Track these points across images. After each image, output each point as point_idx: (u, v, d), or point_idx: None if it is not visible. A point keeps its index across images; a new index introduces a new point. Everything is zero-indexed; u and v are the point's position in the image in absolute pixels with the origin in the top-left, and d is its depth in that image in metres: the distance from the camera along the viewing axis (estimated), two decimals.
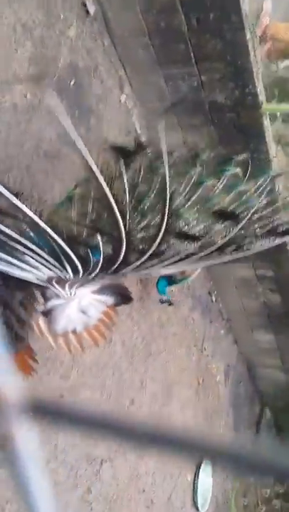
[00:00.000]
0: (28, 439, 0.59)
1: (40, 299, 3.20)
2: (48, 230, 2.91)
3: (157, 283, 5.46)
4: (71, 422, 0.61)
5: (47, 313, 3.26)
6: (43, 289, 3.15)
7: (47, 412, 0.61)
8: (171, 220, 3.21)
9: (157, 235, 3.21)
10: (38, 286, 3.10)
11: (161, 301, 5.65)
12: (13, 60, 3.80)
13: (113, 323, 3.67)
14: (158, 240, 3.20)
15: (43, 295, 3.16)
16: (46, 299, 3.18)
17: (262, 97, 4.64)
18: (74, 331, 3.38)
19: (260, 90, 4.60)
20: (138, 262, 3.32)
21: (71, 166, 4.20)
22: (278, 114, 5.28)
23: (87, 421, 0.60)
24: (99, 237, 3.25)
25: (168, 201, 3.12)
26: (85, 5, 4.30)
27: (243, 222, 3.27)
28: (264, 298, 6.94)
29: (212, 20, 4.14)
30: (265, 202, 3.70)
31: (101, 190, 2.92)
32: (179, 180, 3.81)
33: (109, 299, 3.49)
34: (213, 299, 7.15)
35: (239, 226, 3.26)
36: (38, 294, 3.17)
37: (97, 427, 0.60)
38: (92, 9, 4.34)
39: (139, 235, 3.39)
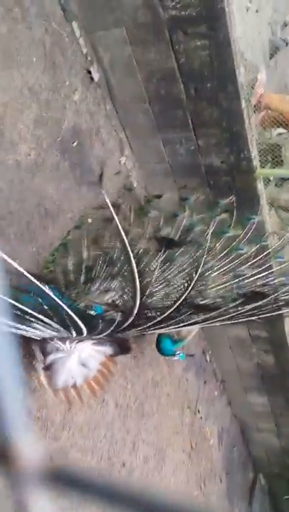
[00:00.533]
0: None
1: (40, 356, 3.19)
2: (62, 304, 2.97)
3: (159, 344, 5.30)
4: (60, 487, 0.58)
5: (47, 368, 3.24)
6: (42, 344, 3.14)
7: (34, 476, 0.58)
8: (190, 295, 3.27)
9: (171, 306, 3.27)
10: (38, 341, 3.10)
11: (172, 355, 5.44)
12: (18, 120, 3.94)
13: (112, 374, 3.65)
14: (171, 310, 3.25)
15: (43, 350, 3.15)
16: (46, 353, 3.17)
17: (256, 162, 4.82)
18: (74, 385, 3.35)
19: (255, 156, 4.78)
20: (146, 327, 3.35)
21: (71, 224, 4.29)
22: (271, 178, 5.45)
23: (77, 486, 0.57)
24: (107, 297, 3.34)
25: (192, 282, 3.17)
26: (89, 72, 4.53)
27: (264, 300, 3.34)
28: (258, 359, 6.89)
29: (209, 90, 4.37)
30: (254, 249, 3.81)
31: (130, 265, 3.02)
32: (171, 224, 3.92)
33: (108, 349, 3.48)
34: (208, 359, 7.09)
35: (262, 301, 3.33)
36: (37, 350, 3.16)
37: (86, 493, 0.57)
38: (96, 76, 4.57)
39: (152, 301, 3.43)
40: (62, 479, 0.58)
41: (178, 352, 5.39)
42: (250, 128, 4.59)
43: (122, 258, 3.88)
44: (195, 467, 6.73)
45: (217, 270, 3.75)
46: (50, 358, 3.22)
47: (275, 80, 5.69)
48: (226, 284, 3.66)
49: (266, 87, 5.07)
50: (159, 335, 5.22)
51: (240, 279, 3.67)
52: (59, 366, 3.30)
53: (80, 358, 3.28)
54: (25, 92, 3.98)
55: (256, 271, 3.68)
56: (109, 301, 3.53)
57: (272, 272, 3.62)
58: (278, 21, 6.01)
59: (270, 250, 3.74)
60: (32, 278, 2.83)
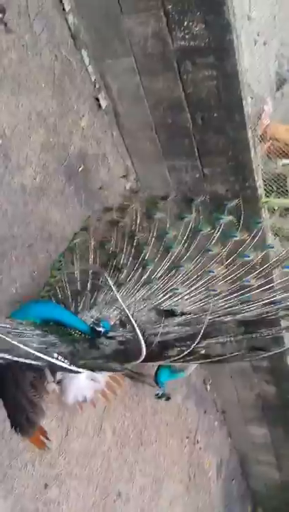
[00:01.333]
0: None
1: (50, 377, 3.16)
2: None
3: (157, 373, 5.17)
4: None
5: (57, 384, 3.22)
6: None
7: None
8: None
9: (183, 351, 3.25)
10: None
11: (158, 396, 5.34)
12: (26, 144, 3.97)
13: (120, 385, 3.60)
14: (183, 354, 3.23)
15: (51, 367, 3.12)
16: (54, 370, 3.14)
17: (261, 191, 4.83)
18: (84, 400, 3.31)
19: (260, 185, 4.79)
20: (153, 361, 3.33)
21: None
22: (276, 208, 5.45)
23: None
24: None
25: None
26: (97, 99, 4.58)
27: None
28: (259, 389, 6.79)
29: (216, 119, 4.39)
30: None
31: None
32: (178, 226, 3.87)
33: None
34: (208, 388, 7.00)
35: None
36: (47, 371, 3.14)
37: None
38: (104, 103, 4.62)
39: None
40: None
41: (159, 391, 5.28)
42: (255, 157, 4.61)
43: (128, 264, 3.86)
44: (192, 499, 6.59)
45: (223, 278, 3.68)
46: (59, 375, 3.20)
47: (281, 112, 5.74)
48: (231, 297, 3.57)
49: (272, 118, 5.10)
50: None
51: (246, 290, 3.58)
52: (68, 383, 3.27)
53: (89, 372, 3.25)
54: (33, 116, 4.02)
55: (262, 282, 3.60)
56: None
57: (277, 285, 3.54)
58: (285, 54, 6.09)
59: (277, 258, 3.66)
60: None
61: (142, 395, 5.46)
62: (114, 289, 3.11)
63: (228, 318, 3.41)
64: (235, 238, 3.72)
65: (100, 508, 4.91)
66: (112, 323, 3.52)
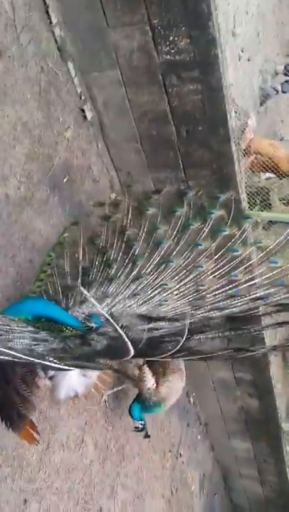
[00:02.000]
0: None
1: (41, 373, 3.15)
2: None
3: (131, 408, 4.99)
4: None
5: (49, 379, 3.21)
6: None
7: None
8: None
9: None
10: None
11: (137, 429, 5.07)
12: (10, 155, 3.96)
13: (110, 378, 3.59)
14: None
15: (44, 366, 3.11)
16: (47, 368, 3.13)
17: (244, 204, 4.87)
18: (76, 395, 3.30)
19: (243, 198, 4.83)
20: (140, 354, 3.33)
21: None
22: (259, 221, 5.49)
23: None
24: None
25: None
26: (83, 110, 4.60)
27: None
28: (242, 402, 6.78)
29: (201, 132, 4.44)
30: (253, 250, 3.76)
31: None
32: (169, 220, 3.87)
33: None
34: (191, 401, 6.97)
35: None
36: (38, 367, 3.13)
37: None
38: (89, 115, 4.64)
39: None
40: None
41: (137, 424, 5.03)
42: (239, 171, 4.66)
43: (118, 260, 3.88)
44: None
45: (212, 273, 3.70)
46: (51, 372, 3.18)
47: (264, 126, 5.83)
48: (221, 291, 3.60)
49: (256, 132, 5.17)
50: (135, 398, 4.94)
51: (234, 284, 3.61)
52: (60, 378, 3.30)
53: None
54: (18, 127, 4.01)
55: (250, 276, 3.63)
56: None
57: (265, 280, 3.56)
58: (269, 70, 6.20)
59: (265, 252, 3.65)
60: None
61: (124, 409, 5.41)
62: (89, 297, 3.10)
63: (217, 313, 3.43)
64: (224, 233, 3.74)
65: None
66: (103, 319, 3.52)
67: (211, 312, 3.48)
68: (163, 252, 3.82)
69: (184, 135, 4.53)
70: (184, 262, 3.76)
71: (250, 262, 3.69)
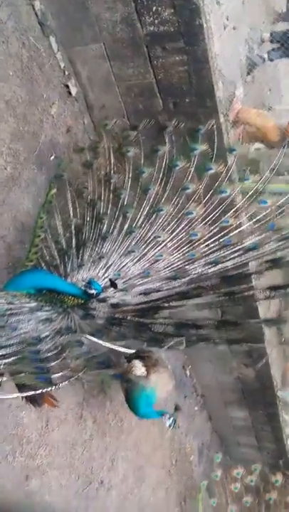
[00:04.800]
0: None
1: None
2: None
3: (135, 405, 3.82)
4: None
5: None
6: None
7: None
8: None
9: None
10: None
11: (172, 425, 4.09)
12: None
13: None
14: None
15: None
16: None
17: (234, 175, 4.83)
18: None
19: (233, 170, 4.79)
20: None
21: None
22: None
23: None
24: None
25: None
26: (67, 86, 4.52)
27: None
28: (238, 373, 6.86)
29: (188, 105, 4.38)
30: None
31: None
32: (152, 161, 3.81)
33: None
34: (188, 373, 7.04)
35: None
36: None
37: None
38: (74, 90, 4.56)
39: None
40: None
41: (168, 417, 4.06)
42: (228, 142, 4.61)
43: (108, 213, 3.84)
44: (175, 484, 6.66)
45: (202, 220, 3.65)
46: None
47: (252, 96, 5.77)
48: (213, 240, 3.59)
49: (244, 102, 5.12)
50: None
51: (225, 231, 3.58)
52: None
53: None
54: (1, 105, 3.95)
55: (240, 220, 3.59)
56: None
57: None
58: (255, 38, 6.10)
59: (253, 191, 3.62)
60: None
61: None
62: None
63: (211, 269, 3.47)
64: (210, 171, 3.68)
65: (83, 497, 4.92)
66: (102, 283, 3.56)
67: (206, 268, 3.51)
68: (152, 199, 3.76)
69: (171, 108, 4.47)
70: (173, 210, 3.70)
71: (240, 204, 3.63)
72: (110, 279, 3.46)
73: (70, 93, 4.57)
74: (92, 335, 3.40)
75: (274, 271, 3.45)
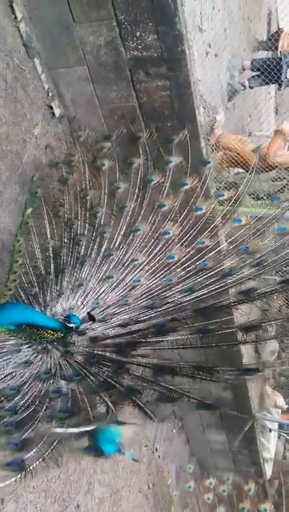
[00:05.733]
0: None
1: None
2: None
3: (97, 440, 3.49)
4: None
5: None
6: None
7: None
8: None
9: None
10: None
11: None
12: None
13: None
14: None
15: None
16: None
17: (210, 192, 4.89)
18: None
19: (213, 193, 4.85)
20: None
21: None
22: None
23: None
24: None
25: None
26: (51, 107, 4.55)
27: None
28: (216, 395, 6.84)
29: (169, 128, 4.44)
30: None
31: None
32: (127, 175, 3.77)
33: None
34: None
35: None
36: None
37: None
38: (57, 112, 4.60)
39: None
40: None
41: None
42: (203, 155, 4.66)
43: (85, 234, 3.78)
44: (152, 508, 6.57)
45: (179, 240, 3.60)
46: None
47: (232, 122, 5.88)
48: (190, 262, 3.52)
49: (224, 128, 5.21)
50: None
51: (201, 253, 3.50)
52: None
53: None
54: None
55: (216, 240, 3.54)
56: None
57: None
58: (236, 66, 6.24)
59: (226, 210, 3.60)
60: None
61: None
62: None
63: (186, 297, 3.42)
64: (186, 187, 3.65)
65: None
66: (81, 316, 3.51)
67: (182, 295, 3.44)
68: (128, 217, 3.72)
69: (153, 131, 4.53)
70: (150, 229, 3.66)
71: (215, 222, 3.60)
72: (88, 313, 3.41)
73: (53, 114, 4.60)
74: (71, 379, 3.32)
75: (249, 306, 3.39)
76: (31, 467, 3.01)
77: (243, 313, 3.39)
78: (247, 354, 5.46)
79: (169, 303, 3.46)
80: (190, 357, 3.39)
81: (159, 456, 6.85)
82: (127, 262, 3.66)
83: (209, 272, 3.46)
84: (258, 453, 7.44)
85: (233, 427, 7.25)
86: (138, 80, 4.29)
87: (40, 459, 3.05)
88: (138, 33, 4.04)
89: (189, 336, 3.30)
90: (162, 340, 3.37)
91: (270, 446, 7.68)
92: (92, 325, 3.49)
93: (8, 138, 4.15)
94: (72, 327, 3.35)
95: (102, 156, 3.93)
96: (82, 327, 3.45)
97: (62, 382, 3.32)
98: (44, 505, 4.63)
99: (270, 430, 7.56)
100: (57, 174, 4.07)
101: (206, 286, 3.42)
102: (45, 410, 3.13)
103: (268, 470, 7.82)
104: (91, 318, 3.36)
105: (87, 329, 3.50)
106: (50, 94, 4.53)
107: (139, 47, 4.12)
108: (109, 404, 3.18)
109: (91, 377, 3.30)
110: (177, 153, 3.77)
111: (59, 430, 3.12)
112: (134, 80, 4.30)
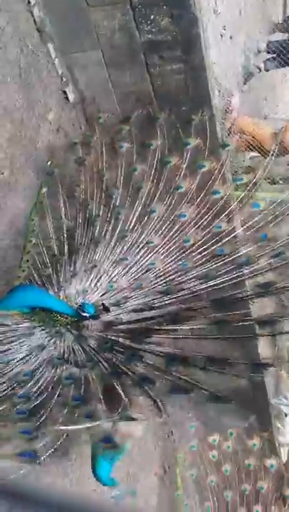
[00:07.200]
0: None
1: None
2: None
3: (96, 470, 3.66)
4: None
5: None
6: None
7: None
8: None
9: None
10: None
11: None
12: None
13: None
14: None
15: None
16: None
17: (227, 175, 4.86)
18: None
19: (228, 178, 4.82)
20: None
21: None
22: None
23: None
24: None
25: None
26: (65, 92, 4.54)
27: None
28: (230, 384, 6.84)
29: (184, 112, 4.40)
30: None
31: None
32: (144, 157, 3.72)
33: None
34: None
35: None
36: None
37: None
38: (71, 97, 4.59)
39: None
40: None
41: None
42: (221, 138, 4.62)
43: (100, 215, 3.75)
44: (168, 491, 6.62)
45: (195, 224, 3.52)
46: None
47: (248, 105, 5.80)
48: (206, 247, 3.47)
49: (240, 111, 5.14)
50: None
51: (218, 237, 3.45)
52: None
53: None
54: None
55: (233, 225, 3.47)
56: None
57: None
58: (252, 48, 6.15)
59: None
60: None
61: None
62: None
63: (202, 285, 3.36)
64: (203, 169, 3.59)
65: None
66: (94, 299, 3.52)
67: (198, 283, 3.40)
68: (144, 198, 3.67)
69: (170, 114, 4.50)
70: (166, 211, 3.60)
71: (232, 206, 3.53)
72: (103, 303, 3.38)
73: (67, 99, 4.59)
74: (83, 365, 3.29)
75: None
76: (43, 458, 2.93)
77: (260, 307, 3.35)
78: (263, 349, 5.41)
79: (184, 289, 3.41)
80: (204, 348, 3.34)
81: (174, 440, 6.89)
82: (142, 244, 3.61)
83: (226, 259, 3.40)
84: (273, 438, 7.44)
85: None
86: (152, 64, 4.26)
87: (52, 449, 2.97)
88: (152, 16, 4.00)
89: (205, 327, 3.26)
90: (177, 329, 3.34)
91: (285, 430, 7.66)
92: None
93: (22, 123, 4.15)
94: (86, 316, 3.34)
95: (120, 138, 3.89)
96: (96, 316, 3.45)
97: (75, 369, 3.30)
98: (63, 487, 4.69)
99: (286, 415, 7.54)
100: (74, 155, 4.04)
101: (222, 275, 3.36)
102: (57, 397, 3.08)
103: (284, 454, 7.81)
104: (105, 308, 3.35)
105: (101, 313, 3.49)
106: (63, 79, 4.52)
107: (153, 30, 4.08)
108: (122, 394, 3.07)
109: (104, 363, 3.27)
110: (196, 135, 3.71)
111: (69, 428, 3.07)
112: (148, 63, 4.27)
